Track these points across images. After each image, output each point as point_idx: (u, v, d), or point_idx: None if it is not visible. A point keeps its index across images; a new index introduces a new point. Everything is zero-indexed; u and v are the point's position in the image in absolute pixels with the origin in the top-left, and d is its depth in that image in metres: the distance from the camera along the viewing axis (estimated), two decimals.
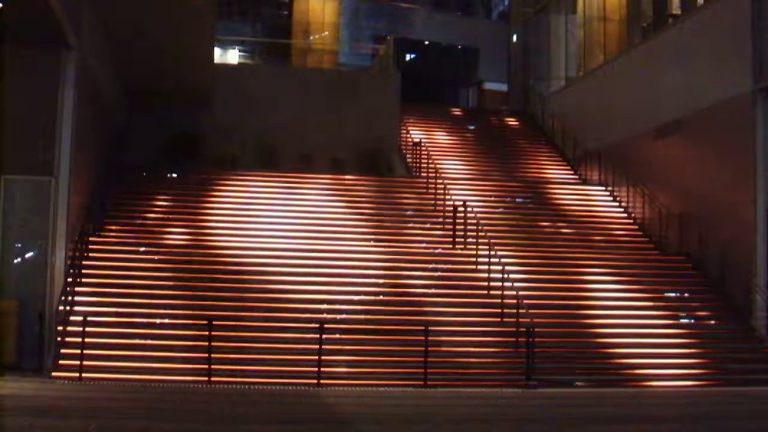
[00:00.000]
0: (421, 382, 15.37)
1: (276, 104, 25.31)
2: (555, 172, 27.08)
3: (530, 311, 16.78)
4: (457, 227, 20.57)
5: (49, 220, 15.53)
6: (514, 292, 17.41)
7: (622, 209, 23.99)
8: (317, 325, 15.76)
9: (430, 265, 19.73)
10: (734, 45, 19.57)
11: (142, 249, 19.11)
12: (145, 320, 16.60)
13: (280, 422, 11.81)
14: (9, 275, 15.49)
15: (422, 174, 24.17)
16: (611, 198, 24.54)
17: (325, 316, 17.23)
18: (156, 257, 18.89)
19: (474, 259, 19.67)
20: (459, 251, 20.34)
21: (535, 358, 16.00)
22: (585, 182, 26.05)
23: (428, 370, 15.44)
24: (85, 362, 14.80)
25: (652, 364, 17.14)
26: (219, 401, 13.46)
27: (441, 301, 18.52)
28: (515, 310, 16.95)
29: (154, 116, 23.09)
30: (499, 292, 17.87)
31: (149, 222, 20.46)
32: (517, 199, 23.85)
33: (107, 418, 11.31)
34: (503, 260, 18.75)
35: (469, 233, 20.41)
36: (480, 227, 20.00)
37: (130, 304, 17.01)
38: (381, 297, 18.55)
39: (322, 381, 15.08)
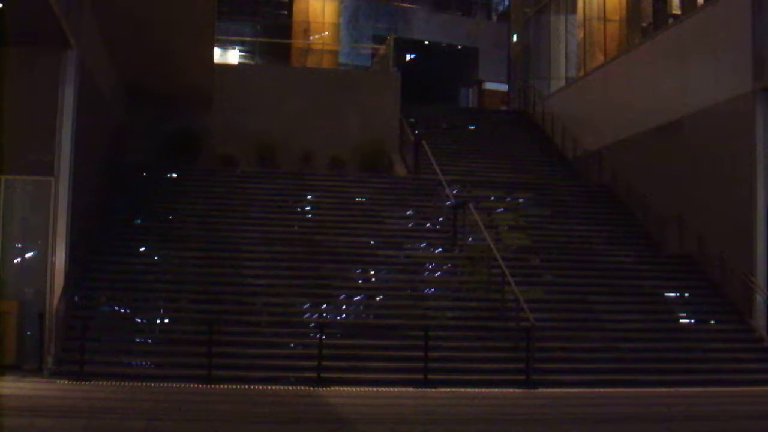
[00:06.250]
0: (421, 382, 15.37)
1: (276, 104, 25.30)
2: (554, 172, 27.03)
3: (530, 311, 16.79)
4: (457, 227, 20.56)
5: (49, 220, 15.52)
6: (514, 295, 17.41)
7: (622, 209, 23.97)
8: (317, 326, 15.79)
9: (430, 265, 19.75)
10: (734, 45, 19.56)
11: (142, 249, 19.12)
12: (145, 320, 16.64)
13: (280, 422, 11.82)
14: (9, 275, 15.49)
15: (422, 174, 24.17)
16: (611, 197, 24.52)
17: (326, 316, 17.28)
18: (156, 258, 18.90)
19: (474, 259, 19.67)
20: (459, 251, 20.33)
21: (534, 358, 16.01)
22: (584, 181, 26.03)
23: (428, 370, 15.46)
24: (85, 362, 14.82)
25: (651, 364, 17.13)
26: (219, 401, 13.47)
27: (441, 302, 18.54)
28: (515, 313, 16.98)
29: (154, 116, 23.08)
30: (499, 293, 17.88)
31: (149, 221, 20.48)
32: (520, 200, 23.81)
33: (107, 418, 11.32)
34: (503, 261, 18.70)
35: (469, 233, 20.41)
36: (480, 227, 19.97)
37: (131, 304, 17.06)
38: (381, 297, 18.56)
39: (321, 381, 15.09)
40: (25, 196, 15.90)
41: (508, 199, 23.79)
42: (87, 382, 14.45)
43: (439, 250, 20.53)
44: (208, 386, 14.66)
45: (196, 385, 14.64)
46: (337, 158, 24.74)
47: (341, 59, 36.15)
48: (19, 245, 15.78)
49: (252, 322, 17.17)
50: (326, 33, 34.87)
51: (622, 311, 18.82)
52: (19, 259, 15.81)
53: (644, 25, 27.25)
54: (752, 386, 16.19)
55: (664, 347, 17.70)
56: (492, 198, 23.55)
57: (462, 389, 15.40)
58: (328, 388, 14.79)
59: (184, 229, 20.24)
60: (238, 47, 36.70)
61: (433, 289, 19.06)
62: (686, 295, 19.96)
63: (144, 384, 14.54)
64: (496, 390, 15.33)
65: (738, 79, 19.28)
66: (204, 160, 23.83)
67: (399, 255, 20.05)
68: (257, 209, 21.48)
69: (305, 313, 17.59)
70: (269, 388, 14.78)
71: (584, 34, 29.76)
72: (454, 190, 22.35)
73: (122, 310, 17.00)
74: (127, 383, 14.49)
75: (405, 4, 40.03)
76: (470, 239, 20.45)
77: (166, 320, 17.00)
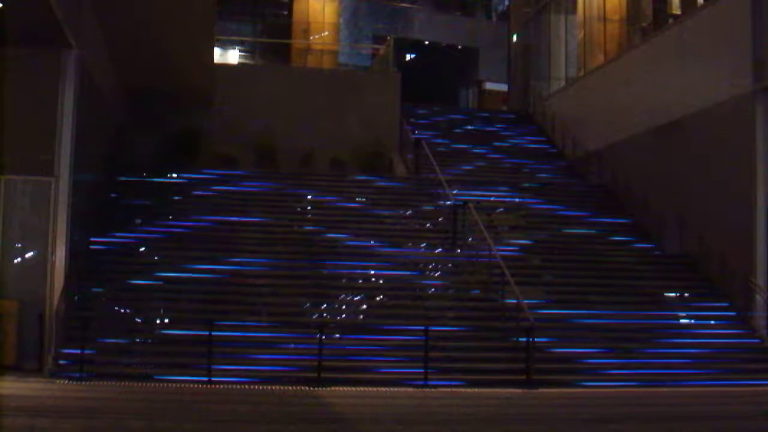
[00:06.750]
0: (421, 382, 15.37)
1: (276, 104, 25.31)
2: (555, 172, 27.03)
3: (530, 310, 16.79)
4: (458, 227, 20.55)
5: (49, 220, 15.51)
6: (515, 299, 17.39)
7: (622, 209, 23.94)
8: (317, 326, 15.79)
9: (431, 266, 19.74)
10: (734, 45, 19.55)
11: (142, 249, 19.13)
12: (145, 320, 16.65)
13: (280, 422, 11.82)
14: (9, 275, 15.49)
15: (422, 174, 24.17)
16: (611, 197, 24.50)
17: (325, 316, 17.29)
18: (156, 258, 18.90)
19: (474, 259, 19.67)
20: (459, 251, 20.33)
21: (534, 358, 16.01)
22: (584, 181, 26.02)
23: (428, 371, 15.46)
24: (85, 362, 14.81)
25: (652, 364, 17.13)
26: (219, 401, 13.47)
27: (441, 302, 18.54)
28: (515, 313, 16.97)
29: (154, 116, 23.07)
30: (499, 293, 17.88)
31: (148, 220, 20.48)
32: (517, 200, 23.79)
33: (107, 418, 11.32)
34: (503, 261, 18.71)
35: (469, 233, 20.40)
36: (480, 228, 19.96)
37: (131, 304, 17.07)
38: (381, 297, 18.56)
39: (321, 381, 15.09)
40: (25, 196, 15.90)
41: (508, 199, 23.78)
42: (87, 382, 14.46)
43: (439, 250, 20.52)
44: (208, 386, 14.66)
45: (196, 385, 14.64)
46: (337, 158, 24.74)
47: (341, 59, 36.14)
48: (19, 245, 15.79)
49: (252, 322, 17.16)
50: (326, 33, 34.84)
51: (622, 311, 18.80)
52: (19, 259, 15.82)
53: (644, 25, 27.23)
54: (752, 386, 16.18)
55: (664, 347, 17.70)
56: (492, 198, 23.53)
57: (462, 389, 15.41)
58: (328, 388, 14.79)
59: (184, 229, 20.23)
60: (238, 47, 36.71)
61: (433, 289, 19.06)
62: (686, 294, 19.95)
63: (144, 384, 14.54)
64: (496, 390, 15.33)
65: (738, 79, 19.28)
66: (204, 160, 23.81)
67: (399, 255, 20.04)
68: (257, 209, 21.47)
69: (305, 313, 17.59)
70: (269, 388, 14.79)
71: (584, 34, 29.75)
72: (454, 190, 22.35)
73: (122, 310, 16.99)
74: (127, 383, 14.49)
75: (405, 4, 40.04)
76: (470, 239, 20.45)
77: (166, 320, 16.99)
